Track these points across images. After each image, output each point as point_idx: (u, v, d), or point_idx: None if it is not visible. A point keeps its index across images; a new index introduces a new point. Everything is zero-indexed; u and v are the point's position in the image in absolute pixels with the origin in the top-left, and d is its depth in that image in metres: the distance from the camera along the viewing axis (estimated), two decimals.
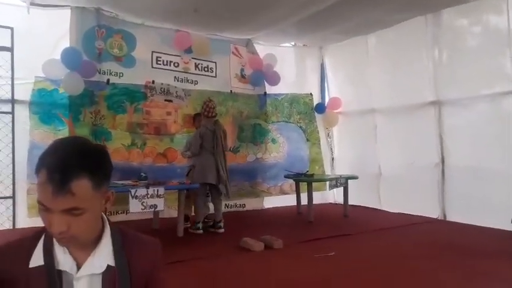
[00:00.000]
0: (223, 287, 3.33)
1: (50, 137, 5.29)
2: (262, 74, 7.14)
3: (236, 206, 6.95)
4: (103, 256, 1.08)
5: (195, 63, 6.71)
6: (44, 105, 5.44)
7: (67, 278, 1.05)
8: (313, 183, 6.13)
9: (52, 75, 5.36)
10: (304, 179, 6.35)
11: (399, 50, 6.43)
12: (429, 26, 5.94)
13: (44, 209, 0.97)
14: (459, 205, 5.58)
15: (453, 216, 5.66)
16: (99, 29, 5.79)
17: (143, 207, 4.50)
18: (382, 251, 4.31)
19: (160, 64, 6.39)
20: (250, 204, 7.07)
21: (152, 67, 6.31)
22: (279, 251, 4.29)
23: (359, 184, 6.49)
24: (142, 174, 5.22)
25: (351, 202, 6.46)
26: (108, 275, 1.07)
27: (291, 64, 7.85)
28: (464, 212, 5.44)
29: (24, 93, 5.34)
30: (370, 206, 6.92)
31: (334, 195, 7.71)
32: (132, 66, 6.11)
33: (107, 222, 1.13)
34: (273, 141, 7.39)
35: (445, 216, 5.80)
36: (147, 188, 4.56)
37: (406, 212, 6.22)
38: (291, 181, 6.84)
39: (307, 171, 7.02)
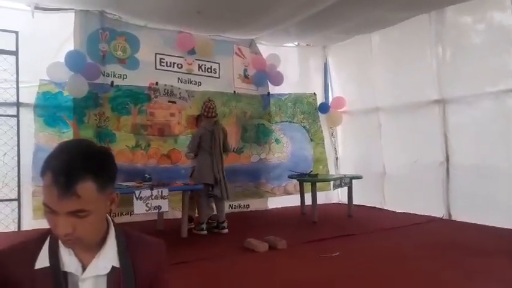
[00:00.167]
0: None
1: (54, 140, 5.33)
2: (265, 74, 7.14)
3: (240, 206, 6.96)
4: (108, 257, 1.09)
5: (199, 64, 6.72)
6: (48, 108, 5.47)
7: (72, 279, 1.06)
8: (317, 183, 6.11)
9: (56, 78, 5.39)
10: (308, 179, 6.33)
11: (403, 48, 6.41)
12: (433, 23, 5.92)
13: (49, 211, 0.98)
14: (464, 204, 5.55)
15: (458, 215, 5.63)
16: (102, 32, 5.82)
17: (147, 209, 4.51)
18: (387, 251, 4.30)
19: (163, 66, 6.41)
20: (254, 204, 7.07)
21: (156, 69, 6.33)
22: (283, 252, 4.29)
23: (363, 184, 6.47)
24: (146, 175, 5.23)
25: (355, 202, 6.45)
26: (113, 276, 1.08)
27: (295, 64, 7.84)
28: (469, 210, 5.41)
29: (29, 96, 5.37)
30: (375, 206, 6.90)
31: (339, 195, 7.69)
32: (135, 68, 6.13)
33: (112, 224, 1.14)
34: (277, 141, 7.39)
35: (450, 215, 5.78)
36: (152, 189, 4.57)
37: (410, 212, 6.20)
38: (295, 181, 6.83)
39: (311, 171, 7.01)
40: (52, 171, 0.96)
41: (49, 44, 5.41)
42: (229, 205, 6.66)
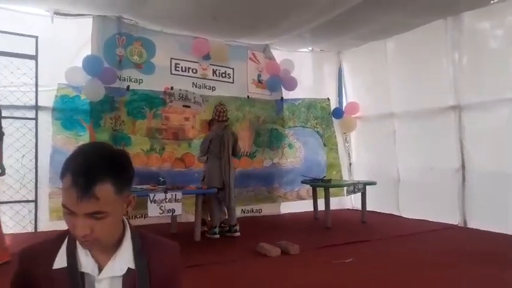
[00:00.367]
0: None
1: (71, 143, 5.43)
2: (279, 79, 7.16)
3: (253, 211, 6.95)
4: (124, 259, 1.10)
5: (213, 69, 6.78)
6: (66, 111, 5.58)
7: (89, 280, 1.08)
8: (330, 188, 6.09)
9: (74, 82, 5.50)
10: (321, 185, 6.30)
11: (418, 54, 6.35)
12: (449, 29, 5.85)
13: (68, 212, 1.00)
14: (480, 211, 5.45)
15: (474, 223, 5.53)
16: (119, 37, 5.92)
17: (161, 212, 4.56)
18: (401, 257, 4.24)
19: (178, 70, 6.48)
20: (267, 209, 7.06)
21: (171, 73, 6.41)
22: (296, 257, 4.27)
23: (377, 190, 6.40)
24: (160, 178, 5.29)
25: (368, 208, 6.39)
26: (128, 277, 1.09)
27: (308, 69, 7.84)
28: (485, 218, 5.31)
29: (47, 99, 5.49)
30: (389, 212, 6.83)
31: (352, 201, 7.63)
32: (151, 73, 6.21)
33: (128, 226, 1.15)
34: (290, 146, 7.39)
35: (465, 222, 5.68)
36: (166, 192, 4.61)
37: (425, 218, 6.11)
38: (308, 186, 6.80)
39: (324, 177, 6.96)
40: (71, 173, 0.98)
41: (67, 49, 5.52)
42: (242, 209, 6.67)
